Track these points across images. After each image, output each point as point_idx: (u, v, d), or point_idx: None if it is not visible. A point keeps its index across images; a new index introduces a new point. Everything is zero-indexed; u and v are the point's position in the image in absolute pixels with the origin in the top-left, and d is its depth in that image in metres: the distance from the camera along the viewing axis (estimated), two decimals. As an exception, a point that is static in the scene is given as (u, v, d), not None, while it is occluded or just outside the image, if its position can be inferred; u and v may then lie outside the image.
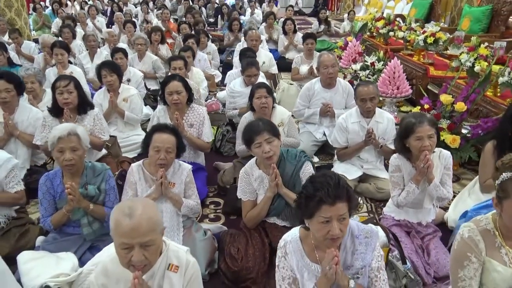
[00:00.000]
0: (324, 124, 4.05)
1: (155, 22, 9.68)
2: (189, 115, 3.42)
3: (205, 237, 2.60)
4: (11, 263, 2.26)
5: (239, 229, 2.71)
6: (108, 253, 2.20)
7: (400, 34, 5.58)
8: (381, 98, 4.78)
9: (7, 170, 2.63)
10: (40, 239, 2.71)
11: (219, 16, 10.65)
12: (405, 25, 5.79)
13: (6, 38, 7.62)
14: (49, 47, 5.59)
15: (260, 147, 2.42)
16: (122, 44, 6.57)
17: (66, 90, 3.23)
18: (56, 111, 3.33)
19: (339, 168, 3.44)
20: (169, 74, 4.66)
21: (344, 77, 5.69)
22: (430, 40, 4.78)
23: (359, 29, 7.18)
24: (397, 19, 6.98)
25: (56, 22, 9.96)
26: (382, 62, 5.06)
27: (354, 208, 1.68)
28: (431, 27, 4.92)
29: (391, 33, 6.11)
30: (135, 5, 13.73)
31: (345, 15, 12.11)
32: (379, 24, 6.31)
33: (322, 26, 9.06)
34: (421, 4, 8.24)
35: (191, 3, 12.76)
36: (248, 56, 4.54)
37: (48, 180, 2.47)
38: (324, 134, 4.01)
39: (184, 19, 10.21)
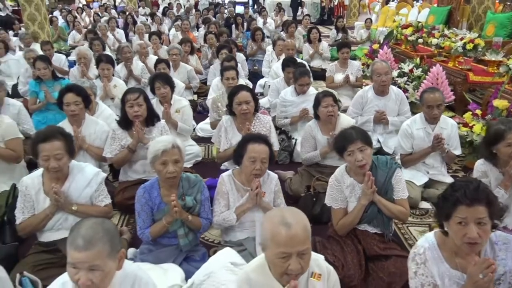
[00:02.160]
0: (378, 132, 4.11)
1: (172, 33, 9.74)
2: (256, 125, 3.46)
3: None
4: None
5: (326, 237, 2.74)
6: (221, 261, 2.24)
7: (434, 41, 5.68)
8: (423, 104, 4.86)
9: (97, 183, 2.65)
10: (131, 251, 2.74)
11: (234, 26, 10.71)
12: (438, 32, 5.89)
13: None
14: (86, 58, 5.65)
15: (352, 155, 2.46)
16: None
17: (136, 103, 3.25)
18: (126, 123, 3.35)
19: (404, 174, 3.47)
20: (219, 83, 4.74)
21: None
22: (469, 46, 4.88)
23: (385, 37, 7.28)
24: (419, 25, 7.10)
25: (72, 35, 10.01)
26: (420, 69, 5.13)
27: (497, 215, 1.70)
28: (469, 34, 5.02)
29: (420, 40, 6.21)
30: (145, 16, 13.80)
31: (356, 23, 12.31)
32: (408, 31, 6.41)
33: (340, 34, 9.19)
34: (439, 11, 8.37)
35: (201, 14, 12.84)
36: (300, 66, 4.59)
37: (146, 192, 2.50)
38: (378, 141, 4.06)
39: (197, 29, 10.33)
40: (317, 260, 1.77)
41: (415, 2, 12.91)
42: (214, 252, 2.77)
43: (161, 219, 2.47)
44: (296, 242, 1.56)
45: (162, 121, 3.50)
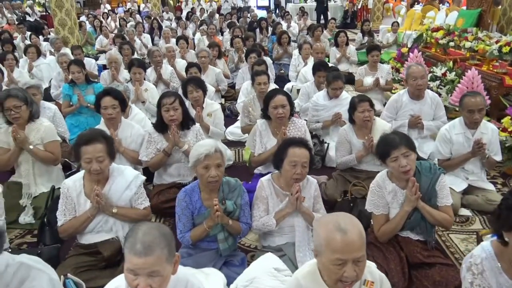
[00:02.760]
0: (413, 136, 3.99)
1: (197, 37, 9.81)
2: (291, 129, 3.44)
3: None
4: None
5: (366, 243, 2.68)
6: (264, 266, 2.21)
7: (467, 44, 5.56)
8: (457, 109, 4.76)
9: (137, 186, 2.66)
10: (170, 254, 2.74)
11: (258, 30, 10.73)
12: (472, 35, 5.76)
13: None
14: (117, 63, 5.73)
15: (396, 161, 2.40)
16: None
17: (172, 107, 3.26)
18: (161, 127, 3.37)
19: (443, 180, 3.41)
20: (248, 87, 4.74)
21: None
22: (506, 49, 4.75)
23: (414, 40, 7.17)
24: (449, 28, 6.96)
25: (100, 39, 10.18)
26: (453, 73, 5.03)
27: None
28: (506, 37, 4.90)
29: (451, 43, 6.09)
30: (168, 20, 13.95)
31: (381, 27, 12.18)
32: (439, 34, 6.30)
33: (366, 38, 9.10)
34: (469, 14, 8.18)
35: (225, 18, 12.91)
36: (333, 69, 4.56)
37: (187, 195, 2.50)
38: (413, 146, 3.98)
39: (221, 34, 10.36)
40: (370, 267, 1.73)
41: (441, 5, 12.73)
42: (252, 257, 2.76)
43: (202, 223, 2.46)
44: (352, 249, 1.53)
45: (197, 125, 3.51)
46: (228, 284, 2.34)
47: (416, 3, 14.31)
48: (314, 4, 18.11)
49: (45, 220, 2.96)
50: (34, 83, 4.24)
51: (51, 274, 1.78)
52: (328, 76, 4.22)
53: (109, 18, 14.04)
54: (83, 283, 2.22)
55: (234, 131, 4.90)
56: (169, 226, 3.27)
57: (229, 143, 4.77)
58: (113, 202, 2.59)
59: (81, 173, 2.66)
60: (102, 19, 13.70)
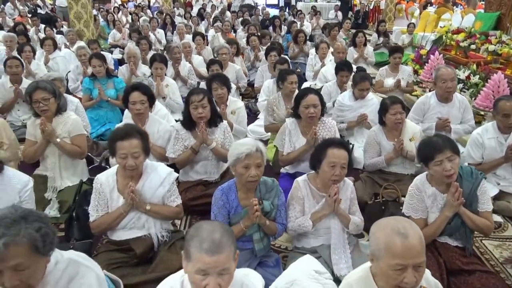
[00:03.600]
0: (440, 139, 3.98)
1: (211, 34, 9.76)
2: (321, 129, 3.39)
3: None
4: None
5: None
6: (304, 269, 2.17)
7: (491, 47, 5.49)
8: (482, 113, 4.71)
9: (170, 183, 2.63)
10: (202, 253, 2.70)
11: (271, 28, 10.67)
12: (496, 38, 5.70)
13: (74, 49, 7.79)
14: (135, 57, 5.69)
15: (440, 165, 2.35)
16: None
17: (201, 104, 3.22)
18: (189, 124, 3.33)
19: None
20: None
21: (430, 90, 5.61)
22: (532, 53, 4.70)
23: (433, 42, 7.10)
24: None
25: (113, 33, 10.14)
26: (477, 76, 4.97)
27: None
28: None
29: (473, 46, 6.03)
30: (179, 16, 13.88)
31: (394, 28, 12.11)
32: (460, 37, 6.23)
33: (381, 39, 9.04)
34: (487, 17, 8.10)
35: (237, 16, 12.85)
36: (360, 70, 4.51)
37: (224, 194, 2.46)
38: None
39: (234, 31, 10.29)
40: (425, 273, 1.69)
41: (454, 7, 12.64)
42: (283, 258, 2.73)
43: (238, 223, 2.42)
44: (413, 254, 1.50)
45: (225, 122, 3.47)
46: (266, 285, 2.29)
47: (429, 5, 14.22)
48: (326, 3, 18.11)
49: (74, 214, 2.93)
50: (58, 75, 4.21)
51: (98, 271, 1.74)
52: (355, 76, 4.17)
53: (120, 12, 14.01)
54: (120, 280, 2.18)
55: (255, 129, 4.86)
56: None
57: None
58: (146, 198, 2.56)
59: (114, 168, 2.62)
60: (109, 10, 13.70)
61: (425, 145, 2.45)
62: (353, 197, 2.63)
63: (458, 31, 6.50)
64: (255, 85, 5.97)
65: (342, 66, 4.79)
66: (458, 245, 2.50)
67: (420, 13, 11.76)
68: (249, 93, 6.32)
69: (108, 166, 4.12)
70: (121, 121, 5.00)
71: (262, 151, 2.38)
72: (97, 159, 4.14)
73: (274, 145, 3.80)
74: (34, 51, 6.15)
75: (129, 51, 5.73)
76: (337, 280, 2.26)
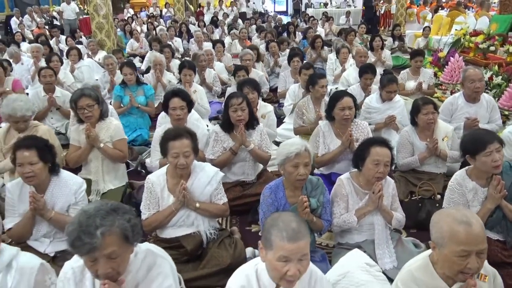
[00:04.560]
0: (468, 139, 4.05)
1: (227, 41, 9.92)
2: (354, 130, 3.48)
3: (420, 249, 2.63)
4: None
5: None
6: (356, 261, 2.26)
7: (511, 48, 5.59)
8: (506, 113, 4.78)
9: (217, 182, 2.74)
10: (250, 250, 2.82)
11: (286, 34, 10.83)
12: (516, 39, 5.80)
13: (97, 58, 7.98)
14: (161, 65, 5.84)
15: (490, 156, 2.43)
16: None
17: (240, 107, 3.33)
18: (228, 126, 3.43)
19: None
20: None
21: (452, 92, 5.70)
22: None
23: (452, 45, 7.19)
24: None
25: (131, 43, 10.34)
26: (500, 77, 5.05)
27: None
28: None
29: (492, 48, 6.11)
30: (193, 24, 14.10)
31: (407, 31, 12.18)
32: (479, 39, 6.32)
33: (396, 42, 9.13)
34: (502, 19, 8.17)
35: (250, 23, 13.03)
36: (388, 72, 4.61)
37: (272, 192, 2.56)
38: (469, 149, 4.00)
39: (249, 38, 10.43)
40: (483, 261, 1.77)
41: (467, 10, 12.71)
42: (327, 255, 2.81)
43: (287, 220, 2.51)
44: (477, 241, 1.58)
45: (261, 125, 3.58)
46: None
47: (440, 8, 14.30)
48: (336, 9, 18.24)
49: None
50: (94, 83, 4.35)
51: (171, 263, 1.85)
52: (383, 79, 4.27)
53: (134, 22, 14.26)
54: (180, 276, 2.28)
55: (282, 132, 4.95)
56: (236, 224, 3.35)
57: (277, 145, 4.82)
58: (195, 197, 2.67)
59: (164, 168, 2.74)
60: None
61: (472, 138, 2.53)
62: (394, 194, 2.72)
63: (476, 33, 6.58)
64: (278, 90, 6.07)
65: (366, 69, 4.88)
66: (499, 238, 2.58)
67: (432, 17, 11.84)
68: (271, 98, 6.43)
69: (143, 171, 4.26)
70: (150, 127, 5.19)
71: (309, 150, 2.48)
72: (132, 164, 4.26)
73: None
74: (61, 61, 6.32)
75: (155, 59, 5.88)
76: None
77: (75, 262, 1.74)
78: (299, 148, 2.41)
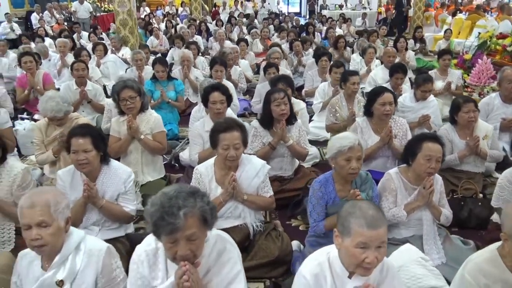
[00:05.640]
0: (504, 140, 4.04)
1: (248, 40, 9.93)
2: (393, 126, 3.47)
3: (469, 246, 2.63)
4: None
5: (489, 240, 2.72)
6: (411, 255, 2.26)
7: (543, 51, 5.56)
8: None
9: (264, 174, 2.76)
10: (295, 243, 2.83)
11: (304, 34, 10.83)
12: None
13: (120, 54, 8.04)
14: (189, 61, 5.88)
15: None
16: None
17: (283, 101, 3.35)
18: (268, 122, 3.44)
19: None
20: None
21: (480, 95, 5.68)
22: None
23: (478, 47, 7.15)
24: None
25: (151, 40, 10.41)
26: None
27: None
28: None
29: (520, 50, 6.09)
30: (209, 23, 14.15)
31: (426, 34, 12.13)
32: (507, 41, 6.29)
33: (418, 45, 9.12)
34: (526, 23, 8.16)
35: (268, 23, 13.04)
36: (423, 72, 4.60)
37: (322, 186, 2.57)
38: (504, 150, 3.99)
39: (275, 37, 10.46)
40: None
41: (486, 14, 12.62)
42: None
43: (336, 213, 2.52)
44: None
45: (299, 121, 3.59)
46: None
47: (458, 12, 14.23)
48: (351, 11, 18.21)
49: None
50: (128, 77, 4.39)
51: (238, 250, 1.87)
52: (418, 78, 4.26)
53: (151, 20, 14.33)
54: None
55: (312, 130, 4.96)
56: (275, 219, 3.36)
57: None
58: (243, 189, 2.68)
59: (212, 159, 2.76)
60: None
61: None
62: (442, 191, 2.72)
63: (503, 36, 6.55)
64: (304, 89, 6.08)
65: (397, 69, 4.88)
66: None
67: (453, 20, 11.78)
68: (296, 97, 6.42)
69: (176, 164, 4.30)
70: (179, 122, 5.22)
71: (361, 145, 2.49)
72: (166, 157, 4.29)
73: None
74: (90, 56, 6.38)
75: (183, 55, 5.92)
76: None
77: (147, 245, 1.76)
78: (353, 142, 2.42)
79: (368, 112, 3.50)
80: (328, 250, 1.76)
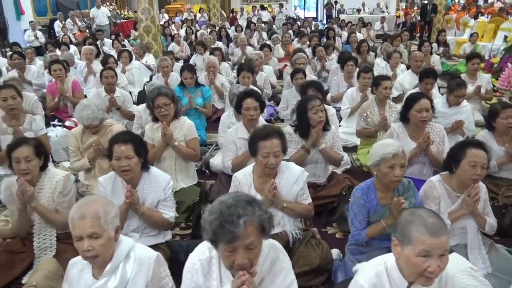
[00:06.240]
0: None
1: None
2: (429, 132, 3.42)
3: (516, 254, 2.56)
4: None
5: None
6: (459, 265, 2.21)
7: None
8: None
9: (303, 182, 2.73)
10: (335, 251, 2.80)
11: (324, 39, 10.81)
12: None
13: (144, 61, 8.12)
14: (215, 67, 5.91)
15: None
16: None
17: (320, 109, 3.33)
18: (305, 130, 3.40)
19: None
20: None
21: (511, 99, 5.59)
22: None
23: (505, 50, 7.03)
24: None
25: (172, 46, 10.50)
26: None
27: None
28: None
29: (551, 54, 5.96)
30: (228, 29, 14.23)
31: (449, 38, 11.98)
32: (537, 45, 6.18)
33: (441, 48, 9.00)
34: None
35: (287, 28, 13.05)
36: (456, 77, 4.54)
37: (364, 194, 2.54)
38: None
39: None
40: None
41: (509, 16, 12.42)
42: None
43: (379, 221, 2.49)
44: None
45: (333, 127, 3.56)
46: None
47: (480, 14, 14.03)
48: (369, 15, 18.12)
49: (202, 212, 3.06)
50: (159, 84, 4.42)
51: (289, 259, 1.85)
52: (451, 83, 4.20)
53: (170, 26, 14.47)
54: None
55: (340, 136, 4.92)
56: (311, 226, 3.33)
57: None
58: (282, 196, 2.66)
59: (250, 167, 2.75)
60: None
61: None
62: (486, 199, 2.66)
63: (533, 39, 6.43)
64: (330, 95, 6.05)
65: (428, 74, 4.80)
66: None
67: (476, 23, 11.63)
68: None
69: (207, 170, 4.30)
70: (206, 129, 5.24)
71: (405, 153, 2.45)
72: (197, 164, 4.30)
73: (368, 151, 3.86)
74: (116, 62, 6.46)
75: (208, 61, 5.95)
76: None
77: (201, 254, 1.76)
78: (396, 149, 2.38)
79: (404, 118, 3.45)
80: (385, 260, 1.73)
